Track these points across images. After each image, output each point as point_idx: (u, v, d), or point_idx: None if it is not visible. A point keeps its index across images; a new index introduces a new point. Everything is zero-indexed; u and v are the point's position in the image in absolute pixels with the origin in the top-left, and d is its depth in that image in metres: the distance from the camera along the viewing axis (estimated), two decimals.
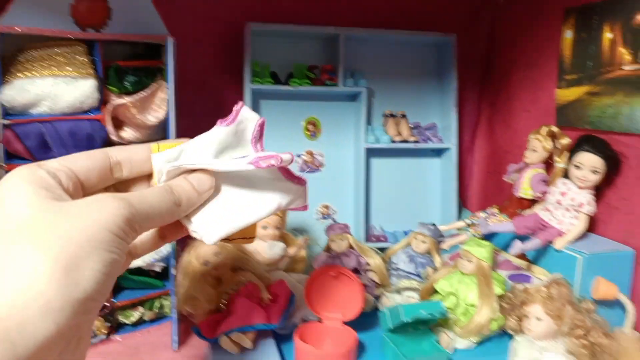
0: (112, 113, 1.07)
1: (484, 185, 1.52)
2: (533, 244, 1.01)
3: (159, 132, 1.13)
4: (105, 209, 0.34)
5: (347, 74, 1.33)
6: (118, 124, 1.11)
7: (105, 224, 0.33)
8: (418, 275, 1.13)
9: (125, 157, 0.42)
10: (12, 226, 0.31)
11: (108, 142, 1.08)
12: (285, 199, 0.47)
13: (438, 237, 1.17)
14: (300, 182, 0.49)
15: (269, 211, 0.46)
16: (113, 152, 0.42)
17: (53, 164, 0.37)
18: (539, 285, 0.92)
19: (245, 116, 0.48)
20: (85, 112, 1.05)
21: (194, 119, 1.31)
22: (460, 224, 1.23)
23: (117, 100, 1.06)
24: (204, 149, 0.44)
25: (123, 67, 1.10)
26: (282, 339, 0.94)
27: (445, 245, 1.20)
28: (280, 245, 1.11)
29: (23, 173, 0.35)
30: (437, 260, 1.14)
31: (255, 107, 1.34)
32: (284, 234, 1.17)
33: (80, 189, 0.38)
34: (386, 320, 0.91)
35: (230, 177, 0.45)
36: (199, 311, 0.94)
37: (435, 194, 1.47)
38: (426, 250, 1.15)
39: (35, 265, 0.29)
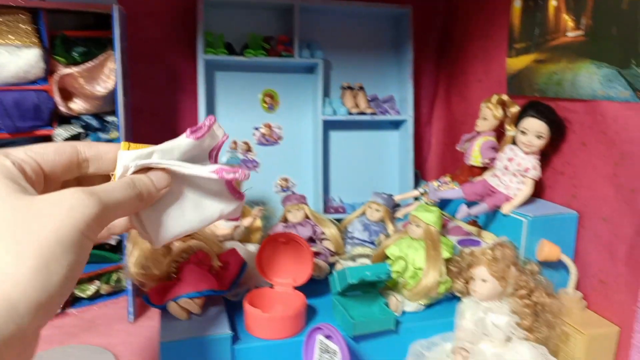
0: (59, 84, 1.05)
1: (441, 157, 1.55)
2: (480, 208, 1.04)
3: (108, 104, 1.12)
4: (77, 208, 0.33)
5: (303, 45, 1.33)
6: (67, 96, 1.10)
7: (76, 225, 0.32)
8: (372, 243, 1.15)
9: (95, 154, 0.42)
10: None
11: (56, 113, 1.07)
12: (226, 210, 0.51)
13: (392, 205, 1.19)
14: (240, 197, 0.52)
15: (212, 220, 0.50)
16: (83, 149, 0.41)
17: (19, 154, 0.36)
18: (485, 247, 0.94)
19: (214, 131, 0.50)
20: (31, 82, 1.03)
21: (147, 91, 1.30)
22: (414, 193, 1.25)
23: (63, 70, 1.04)
24: (171, 153, 0.45)
25: (71, 37, 1.08)
26: (234, 306, 0.95)
27: (400, 213, 1.22)
28: None
29: None
30: (390, 227, 1.16)
31: (210, 79, 1.33)
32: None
33: (43, 181, 0.38)
34: (334, 283, 0.92)
35: (182, 184, 0.47)
36: (150, 280, 0.94)
37: (393, 166, 1.49)
38: (380, 218, 1.17)
39: (3, 266, 0.29)
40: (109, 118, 1.14)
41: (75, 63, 1.07)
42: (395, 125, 1.48)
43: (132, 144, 0.43)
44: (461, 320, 0.92)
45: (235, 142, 1.38)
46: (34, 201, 0.32)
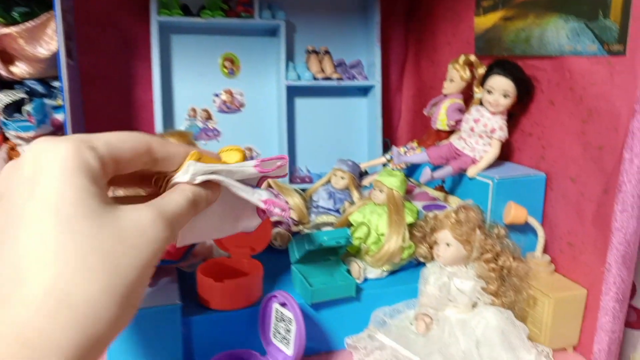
0: None
1: (411, 124, 1.51)
2: (444, 171, 1.00)
3: (52, 67, 1.05)
4: (158, 241, 0.33)
5: (263, 5, 1.26)
6: (8, 59, 1.02)
7: (153, 258, 0.32)
8: (337, 211, 1.11)
9: (165, 156, 0.40)
10: (60, 229, 0.27)
11: None
12: (248, 225, 0.56)
13: (357, 173, 1.15)
14: (265, 217, 0.57)
15: (231, 232, 0.55)
16: (157, 148, 0.40)
17: (101, 148, 0.33)
18: (448, 211, 0.90)
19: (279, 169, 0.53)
20: None
21: (97, 55, 1.23)
22: (381, 160, 1.21)
23: (1, 30, 0.97)
24: (233, 175, 0.47)
25: None
26: (188, 277, 0.90)
27: (366, 181, 1.19)
28: None
29: (69, 154, 0.30)
30: (355, 195, 1.12)
31: (165, 42, 1.26)
32: None
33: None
34: (292, 251, 0.88)
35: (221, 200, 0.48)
36: None
37: (361, 134, 1.44)
38: (345, 186, 1.13)
39: (94, 304, 0.27)
40: (56, 83, 1.07)
41: (15, 23, 1.00)
42: (364, 91, 1.43)
43: (203, 156, 0.44)
44: (425, 286, 0.89)
45: (194, 110, 1.31)
46: (118, 222, 0.31)
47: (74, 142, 0.31)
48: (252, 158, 1.36)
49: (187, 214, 0.38)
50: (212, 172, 0.43)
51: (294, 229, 1.08)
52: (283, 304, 0.76)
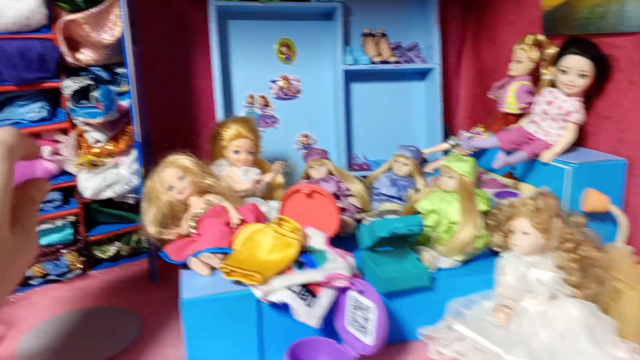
0: (64, 32, 0.98)
1: (471, 109, 1.46)
2: (518, 156, 0.96)
3: (117, 54, 1.05)
4: None
5: None
6: (74, 46, 1.03)
7: None
8: (400, 199, 1.08)
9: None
10: None
11: (63, 65, 1.00)
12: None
13: (420, 159, 1.12)
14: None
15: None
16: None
17: None
18: (525, 198, 0.87)
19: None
20: (34, 31, 0.96)
21: (157, 41, 1.23)
22: (444, 146, 1.18)
23: (67, 17, 0.97)
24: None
25: None
26: None
27: (429, 168, 1.15)
28: (255, 170, 1.05)
29: None
30: (420, 181, 1.09)
31: (223, 29, 1.25)
32: (259, 161, 1.11)
33: None
34: (363, 238, 0.86)
35: None
36: (169, 237, 0.89)
37: (419, 119, 1.41)
38: (408, 172, 1.10)
39: None
40: (119, 69, 1.07)
41: (79, 10, 1.00)
42: (421, 75, 1.39)
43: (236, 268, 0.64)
44: (502, 276, 0.85)
45: (252, 97, 1.30)
46: None
47: None
48: (308, 145, 1.34)
49: None
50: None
51: (357, 216, 1.06)
52: (361, 292, 0.74)
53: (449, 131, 1.42)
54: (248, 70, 1.29)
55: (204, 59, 1.25)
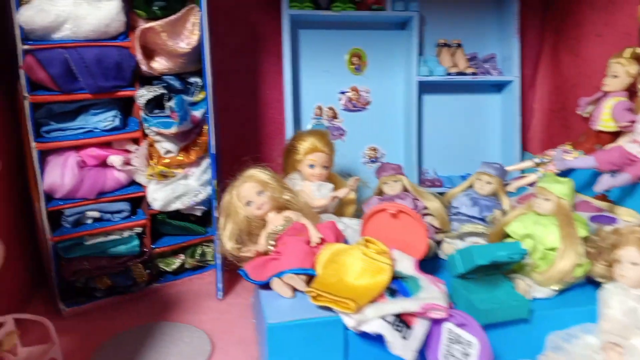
0: (141, 40, 0.96)
1: (546, 125, 1.37)
2: (622, 179, 0.88)
3: (192, 62, 1.02)
4: None
5: None
6: (148, 54, 1.01)
7: None
8: (482, 220, 1.01)
9: None
10: None
11: (137, 72, 0.98)
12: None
13: (504, 177, 1.05)
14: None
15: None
16: None
17: None
18: (634, 225, 0.79)
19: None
20: (112, 38, 0.95)
21: (227, 50, 1.20)
22: (527, 163, 1.11)
23: (145, 24, 0.95)
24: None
25: None
26: None
27: (512, 187, 1.08)
28: (329, 185, 1.01)
29: None
30: (505, 201, 1.02)
31: (294, 38, 1.21)
32: (331, 175, 1.06)
33: None
34: (456, 264, 0.80)
35: None
36: (247, 254, 0.85)
37: (494, 134, 1.33)
38: (491, 191, 1.03)
39: None
40: (192, 79, 1.05)
41: (155, 18, 0.98)
42: (497, 87, 1.32)
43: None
44: (606, 310, 0.77)
45: (320, 108, 1.26)
46: None
47: None
48: (376, 159, 1.29)
49: None
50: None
51: (436, 237, 1.00)
52: (461, 325, 0.68)
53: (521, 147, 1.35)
54: (317, 80, 1.25)
55: (273, 69, 1.22)
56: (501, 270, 0.83)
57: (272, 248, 0.84)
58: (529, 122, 1.41)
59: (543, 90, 1.38)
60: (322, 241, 0.84)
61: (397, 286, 0.74)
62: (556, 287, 0.83)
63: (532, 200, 0.89)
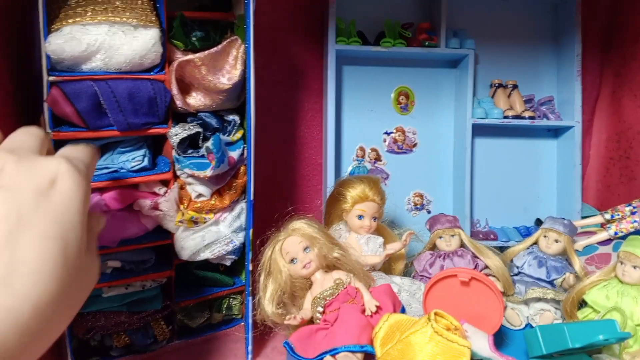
0: (177, 73, 0.87)
1: (604, 174, 1.27)
2: None
3: (231, 99, 0.93)
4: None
5: (449, 33, 1.10)
6: (184, 88, 0.92)
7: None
8: (550, 283, 0.90)
9: None
10: None
11: (171, 108, 0.89)
12: None
13: (574, 234, 0.94)
14: None
15: None
16: None
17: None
18: None
19: None
20: (146, 71, 0.86)
21: (264, 86, 1.11)
22: (597, 219, 0.99)
23: (183, 57, 0.86)
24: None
25: (189, 18, 0.90)
26: None
27: (579, 245, 0.97)
28: (379, 240, 0.90)
29: None
30: (577, 263, 0.90)
31: (338, 74, 1.12)
32: (380, 227, 0.95)
33: None
34: (536, 343, 0.68)
35: None
36: (292, 322, 0.74)
37: (550, 183, 1.23)
38: (560, 251, 0.92)
39: None
40: (229, 117, 0.96)
41: (193, 49, 0.90)
42: (554, 133, 1.22)
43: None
44: None
45: (362, 149, 1.16)
46: None
47: None
48: (422, 206, 1.18)
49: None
50: None
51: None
52: None
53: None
54: (360, 120, 1.16)
55: (313, 106, 1.13)
56: (586, 349, 0.71)
57: (319, 315, 0.73)
58: (583, 170, 1.30)
59: (599, 137, 1.28)
60: (378, 309, 0.73)
61: None
62: None
63: (617, 266, 0.78)
